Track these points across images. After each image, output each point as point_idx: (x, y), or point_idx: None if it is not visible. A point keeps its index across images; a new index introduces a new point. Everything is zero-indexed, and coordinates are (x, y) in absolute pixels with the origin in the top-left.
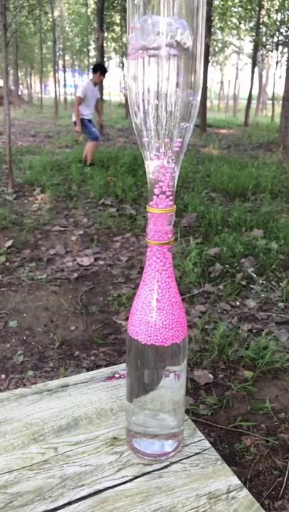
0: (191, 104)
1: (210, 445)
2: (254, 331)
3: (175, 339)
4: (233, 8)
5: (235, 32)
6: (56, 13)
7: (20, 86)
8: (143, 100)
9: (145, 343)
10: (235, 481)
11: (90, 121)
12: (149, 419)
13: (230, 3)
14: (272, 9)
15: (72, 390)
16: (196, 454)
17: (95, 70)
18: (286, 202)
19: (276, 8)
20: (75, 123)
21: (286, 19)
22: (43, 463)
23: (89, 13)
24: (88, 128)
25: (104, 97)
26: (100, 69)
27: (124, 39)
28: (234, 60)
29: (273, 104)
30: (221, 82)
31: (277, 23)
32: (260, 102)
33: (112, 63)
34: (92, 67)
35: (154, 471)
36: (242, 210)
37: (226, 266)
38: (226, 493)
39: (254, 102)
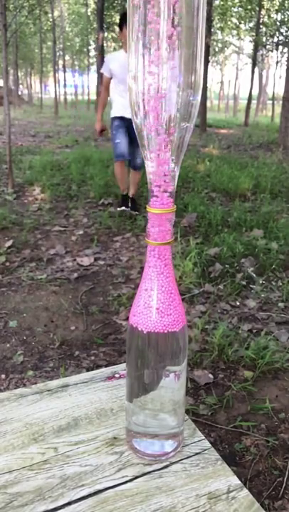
0: (191, 104)
1: (210, 445)
2: (254, 331)
3: (174, 327)
4: (233, 8)
5: (235, 32)
6: (56, 13)
7: (20, 86)
8: (143, 100)
9: (146, 332)
10: (235, 481)
11: (122, 120)
12: (149, 419)
13: (230, 3)
14: (272, 9)
15: (72, 390)
16: (196, 454)
17: (120, 26)
18: (286, 202)
19: (276, 8)
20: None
21: (286, 19)
22: (43, 463)
23: (89, 13)
24: (113, 135)
25: None
26: (123, 21)
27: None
28: (234, 60)
29: (273, 104)
30: (221, 82)
31: (277, 23)
32: (260, 102)
33: None
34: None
35: (154, 471)
36: (242, 210)
37: (226, 266)
38: (226, 493)
39: (254, 102)
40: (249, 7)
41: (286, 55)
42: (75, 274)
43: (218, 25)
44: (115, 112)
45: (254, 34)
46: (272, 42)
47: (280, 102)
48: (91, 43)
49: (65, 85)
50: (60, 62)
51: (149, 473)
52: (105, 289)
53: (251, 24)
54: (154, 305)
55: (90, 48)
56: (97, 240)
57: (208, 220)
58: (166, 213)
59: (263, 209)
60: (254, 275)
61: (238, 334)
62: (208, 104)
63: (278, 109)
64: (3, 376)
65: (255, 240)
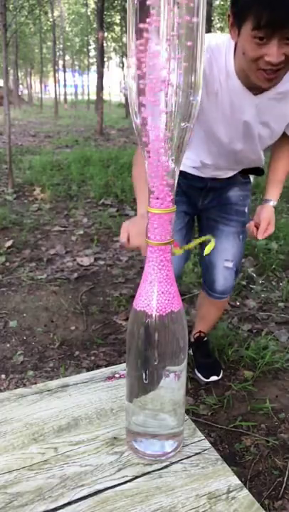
0: (191, 104)
1: (210, 445)
2: (254, 331)
3: (172, 307)
4: None
5: None
6: (56, 13)
7: (20, 86)
8: (143, 100)
9: (149, 314)
10: (235, 481)
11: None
12: (149, 419)
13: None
14: None
15: (72, 390)
16: (196, 454)
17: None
18: (286, 202)
19: None
20: None
21: None
22: (43, 463)
23: (89, 13)
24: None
25: (105, 97)
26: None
27: (124, 39)
28: None
29: None
30: None
31: None
32: None
33: (112, 63)
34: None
35: (154, 471)
36: None
37: None
38: (226, 493)
39: None
40: None
41: None
42: (75, 274)
43: (218, 25)
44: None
45: None
46: None
47: None
48: (91, 43)
49: (65, 85)
50: (60, 62)
51: (149, 473)
52: (105, 289)
53: None
54: (156, 293)
55: (90, 47)
56: (97, 239)
57: None
58: (167, 213)
59: None
60: (254, 275)
61: (238, 334)
62: None
63: None
64: (3, 376)
65: (255, 239)
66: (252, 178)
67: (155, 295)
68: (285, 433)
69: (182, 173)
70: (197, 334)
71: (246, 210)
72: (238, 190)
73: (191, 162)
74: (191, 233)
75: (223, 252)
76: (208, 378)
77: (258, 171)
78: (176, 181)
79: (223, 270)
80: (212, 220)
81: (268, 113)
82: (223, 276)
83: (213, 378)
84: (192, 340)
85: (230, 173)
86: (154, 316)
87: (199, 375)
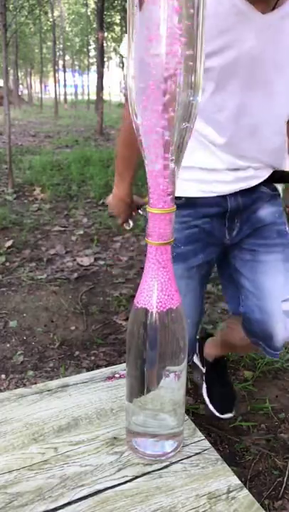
0: (191, 104)
1: (210, 445)
2: None
3: (171, 305)
4: None
5: None
6: (56, 13)
7: (21, 86)
8: (143, 100)
9: (150, 311)
10: (235, 481)
11: (197, 213)
12: (149, 419)
13: None
14: None
15: (72, 390)
16: (196, 454)
17: None
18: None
19: None
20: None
21: None
22: (43, 463)
23: (89, 13)
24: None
25: (105, 97)
26: None
27: (124, 39)
28: None
29: None
30: None
31: None
32: None
33: (112, 63)
34: None
35: (154, 471)
36: None
37: None
38: (226, 493)
39: None
40: None
41: None
42: (75, 274)
43: None
44: (184, 187)
45: None
46: None
47: None
48: (91, 43)
49: (65, 85)
50: (60, 62)
51: (149, 473)
52: (105, 289)
53: None
54: (155, 290)
55: (90, 47)
56: (97, 239)
57: None
58: (167, 213)
59: None
60: None
61: None
62: None
63: None
64: (3, 376)
65: None
66: (280, 189)
67: (155, 292)
68: (285, 433)
69: (192, 203)
70: (214, 358)
71: (288, 230)
72: (269, 206)
73: (199, 173)
74: (203, 301)
75: (277, 291)
76: (223, 414)
77: (286, 177)
78: (176, 181)
79: (283, 316)
80: (247, 252)
81: (284, 38)
82: (284, 325)
83: (228, 415)
84: (211, 361)
85: (254, 179)
86: (154, 313)
87: (212, 408)
